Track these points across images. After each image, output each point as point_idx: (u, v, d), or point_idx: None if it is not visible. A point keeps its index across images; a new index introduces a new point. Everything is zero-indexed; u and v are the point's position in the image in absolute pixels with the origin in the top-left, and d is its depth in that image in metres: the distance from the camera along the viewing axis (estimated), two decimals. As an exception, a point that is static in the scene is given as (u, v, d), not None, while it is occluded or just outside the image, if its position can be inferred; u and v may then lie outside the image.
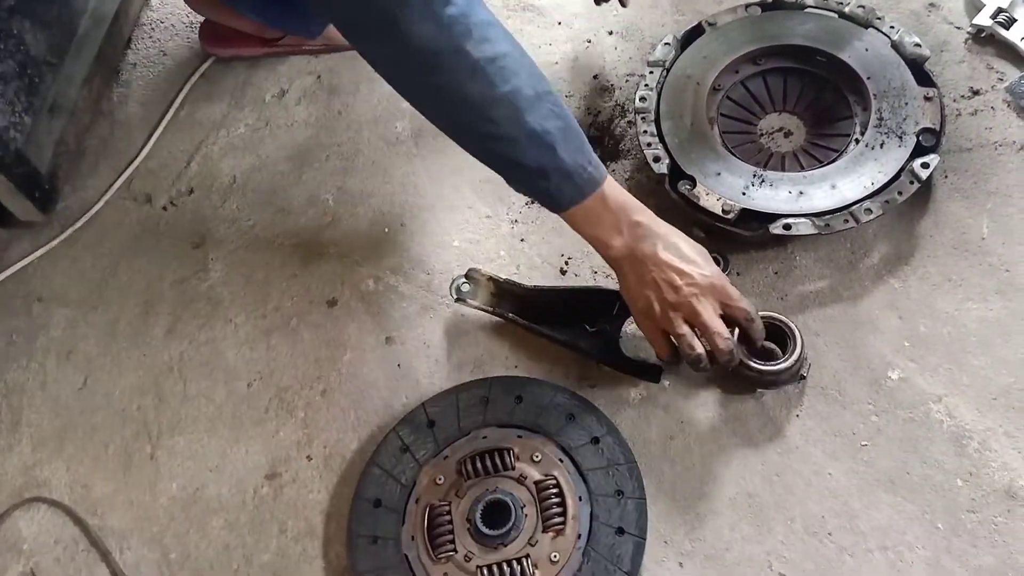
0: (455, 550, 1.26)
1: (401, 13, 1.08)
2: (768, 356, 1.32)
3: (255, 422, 1.47)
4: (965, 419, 1.27)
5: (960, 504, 1.22)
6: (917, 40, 1.46)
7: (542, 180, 1.19)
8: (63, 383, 1.58)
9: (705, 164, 1.45)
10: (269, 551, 1.36)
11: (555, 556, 1.24)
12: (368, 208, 1.65)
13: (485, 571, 1.23)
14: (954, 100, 1.51)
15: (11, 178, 1.62)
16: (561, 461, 1.30)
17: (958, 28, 1.58)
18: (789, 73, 1.56)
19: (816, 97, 1.54)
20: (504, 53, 1.14)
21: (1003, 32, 1.52)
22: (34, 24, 1.66)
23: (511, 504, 1.26)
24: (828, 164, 1.43)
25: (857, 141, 1.44)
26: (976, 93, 1.51)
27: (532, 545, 1.25)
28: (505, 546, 1.25)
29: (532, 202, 1.58)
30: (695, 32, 1.58)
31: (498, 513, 1.26)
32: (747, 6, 1.58)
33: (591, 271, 1.49)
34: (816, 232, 1.36)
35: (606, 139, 1.62)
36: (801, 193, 1.39)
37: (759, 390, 1.34)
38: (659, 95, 1.53)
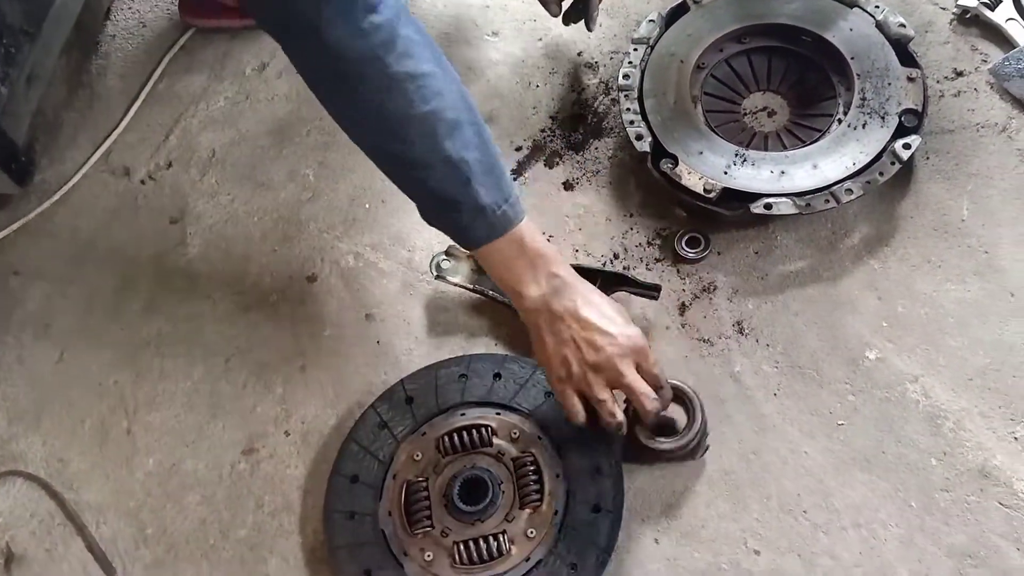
0: (432, 526, 1.26)
1: (320, 15, 1.04)
2: (665, 428, 1.26)
3: (233, 398, 1.47)
4: (941, 399, 1.28)
5: (934, 483, 1.23)
6: (902, 20, 1.46)
7: (453, 212, 1.14)
8: (40, 357, 1.57)
9: (688, 143, 1.44)
10: (246, 526, 1.36)
11: (531, 532, 1.24)
12: (349, 184, 1.64)
13: (461, 546, 1.24)
14: (937, 81, 1.51)
15: (-14, 149, 1.60)
16: (539, 438, 1.30)
17: (943, 9, 1.57)
18: (774, 52, 1.55)
19: (800, 77, 1.53)
20: (427, 72, 1.09)
21: (988, 13, 1.51)
22: (10, -9, 1.64)
23: (488, 480, 1.26)
24: (810, 144, 1.43)
25: (840, 121, 1.44)
26: (960, 74, 1.51)
27: (509, 521, 1.25)
28: (482, 522, 1.25)
29: (513, 179, 1.57)
30: (680, 10, 1.57)
31: (475, 489, 1.26)
32: (733, -16, 1.57)
33: (572, 249, 1.49)
34: (797, 212, 1.35)
35: (589, 117, 1.61)
36: (783, 173, 1.39)
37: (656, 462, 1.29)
38: (643, 73, 1.52)
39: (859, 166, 1.37)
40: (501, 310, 1.44)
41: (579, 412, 1.21)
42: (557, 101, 1.65)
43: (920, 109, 1.40)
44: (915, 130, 1.38)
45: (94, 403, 1.50)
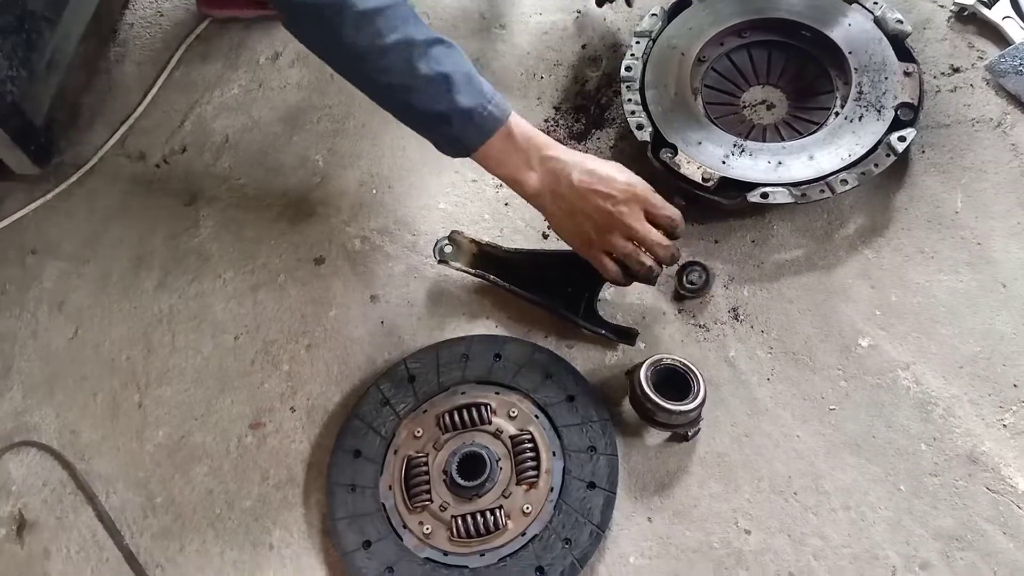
0: (431, 500, 1.30)
1: None
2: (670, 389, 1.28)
3: (241, 374, 1.51)
4: (931, 386, 1.30)
5: (923, 468, 1.26)
6: (899, 16, 1.48)
7: (444, 125, 1.22)
8: (54, 333, 1.62)
9: (687, 133, 1.47)
10: (251, 497, 1.40)
11: (527, 508, 1.27)
12: (357, 170, 1.68)
13: (459, 521, 1.27)
14: (935, 77, 1.54)
15: (7, 131, 1.65)
16: (537, 417, 1.34)
17: (941, 6, 1.60)
18: (773, 47, 1.58)
19: (799, 71, 1.56)
20: (390, 4, 1.18)
21: (985, 11, 1.54)
22: (32, -21, 1.69)
23: (486, 457, 1.29)
24: (807, 136, 1.45)
25: (837, 114, 1.47)
26: (956, 70, 1.53)
27: (506, 497, 1.28)
28: (480, 497, 1.29)
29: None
30: (682, 4, 1.60)
31: (473, 465, 1.30)
32: (735, -21, 1.60)
33: (573, 235, 1.52)
34: (792, 201, 1.38)
35: (592, 108, 1.65)
36: (780, 163, 1.42)
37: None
38: (644, 65, 1.55)
39: (855, 157, 1.39)
40: (502, 293, 1.47)
41: (612, 270, 1.30)
42: (561, 92, 1.69)
43: (916, 103, 1.42)
44: (911, 123, 1.41)
45: (106, 377, 1.55)
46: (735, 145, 1.45)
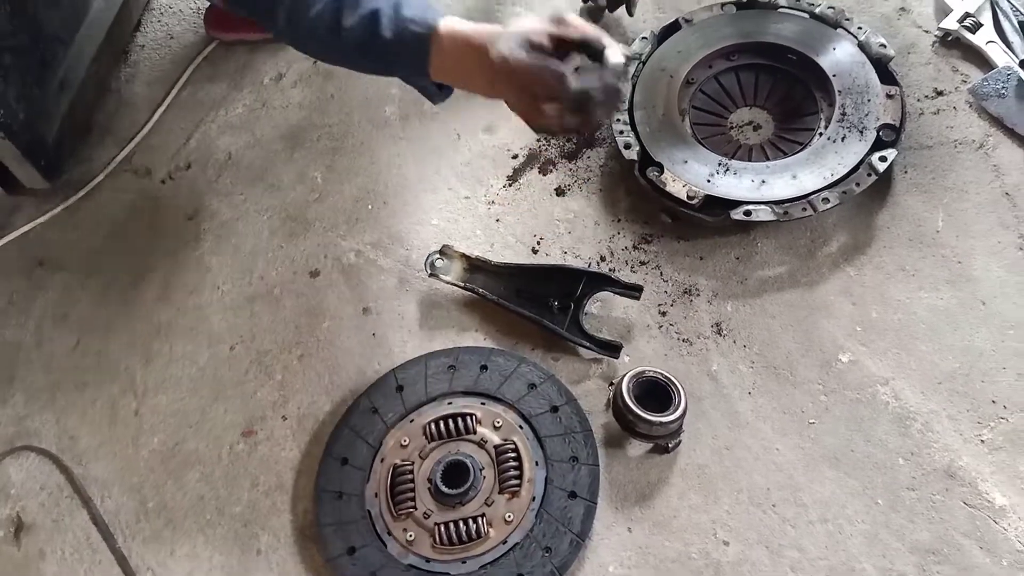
0: (415, 507, 1.32)
1: None
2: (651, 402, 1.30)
3: (235, 383, 1.54)
4: (910, 401, 1.32)
5: (900, 482, 1.27)
6: (882, 41, 1.52)
7: (388, 62, 1.23)
8: (57, 342, 1.66)
9: (673, 152, 1.51)
10: (241, 503, 1.43)
11: (509, 516, 1.29)
12: (354, 186, 1.73)
13: (442, 528, 1.30)
14: (918, 100, 1.56)
15: (19, 146, 1.70)
16: (521, 428, 1.36)
17: (926, 32, 1.63)
18: (761, 70, 1.62)
19: (786, 93, 1.60)
20: None
21: (969, 36, 1.57)
22: (48, 1, 1.75)
23: (470, 466, 1.32)
24: (791, 156, 1.49)
25: (821, 135, 1.50)
26: (940, 94, 1.56)
27: (488, 505, 1.31)
28: (463, 505, 1.31)
29: (508, 185, 1.64)
30: (672, 28, 1.65)
31: (457, 474, 1.32)
32: (723, 4, 1.64)
33: (561, 251, 1.56)
34: (775, 219, 1.41)
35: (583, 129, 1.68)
36: (763, 182, 1.45)
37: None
38: (634, 86, 1.59)
39: (836, 177, 1.42)
40: (491, 307, 1.50)
41: (553, 122, 1.19)
42: (554, 113, 1.73)
43: (898, 124, 1.45)
44: (892, 144, 1.44)
45: (106, 385, 1.59)
46: (720, 164, 1.48)
